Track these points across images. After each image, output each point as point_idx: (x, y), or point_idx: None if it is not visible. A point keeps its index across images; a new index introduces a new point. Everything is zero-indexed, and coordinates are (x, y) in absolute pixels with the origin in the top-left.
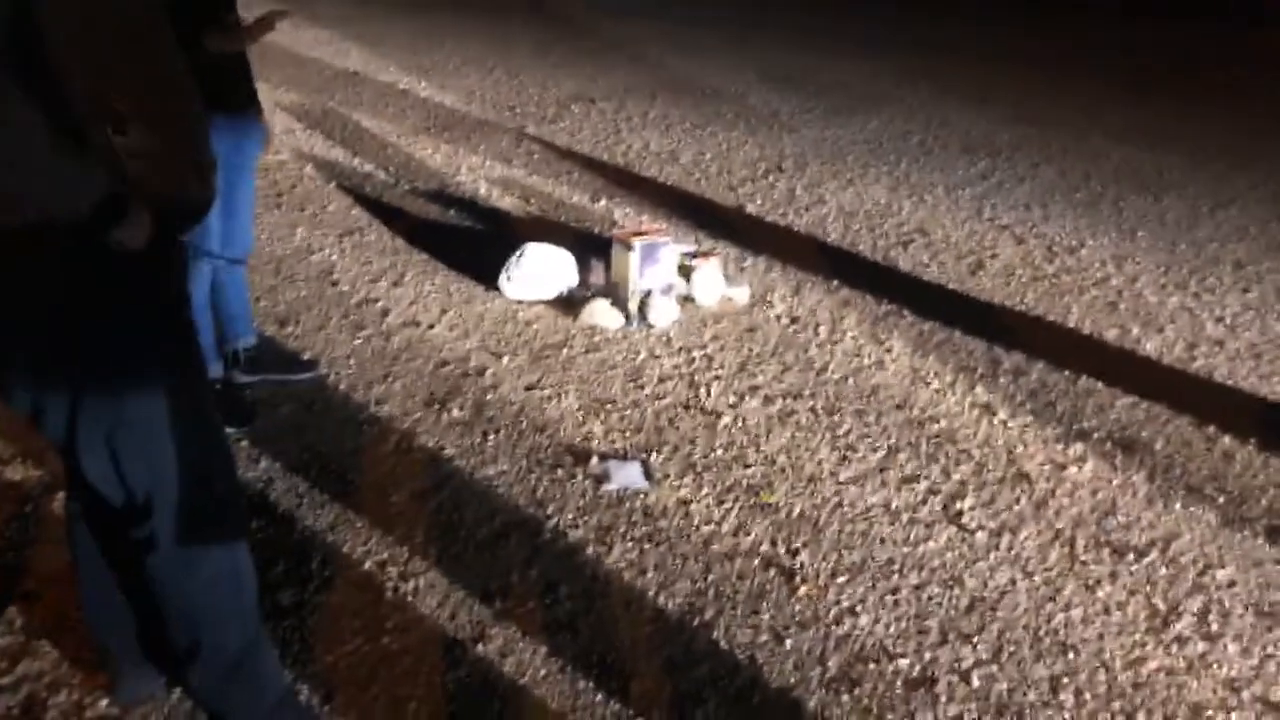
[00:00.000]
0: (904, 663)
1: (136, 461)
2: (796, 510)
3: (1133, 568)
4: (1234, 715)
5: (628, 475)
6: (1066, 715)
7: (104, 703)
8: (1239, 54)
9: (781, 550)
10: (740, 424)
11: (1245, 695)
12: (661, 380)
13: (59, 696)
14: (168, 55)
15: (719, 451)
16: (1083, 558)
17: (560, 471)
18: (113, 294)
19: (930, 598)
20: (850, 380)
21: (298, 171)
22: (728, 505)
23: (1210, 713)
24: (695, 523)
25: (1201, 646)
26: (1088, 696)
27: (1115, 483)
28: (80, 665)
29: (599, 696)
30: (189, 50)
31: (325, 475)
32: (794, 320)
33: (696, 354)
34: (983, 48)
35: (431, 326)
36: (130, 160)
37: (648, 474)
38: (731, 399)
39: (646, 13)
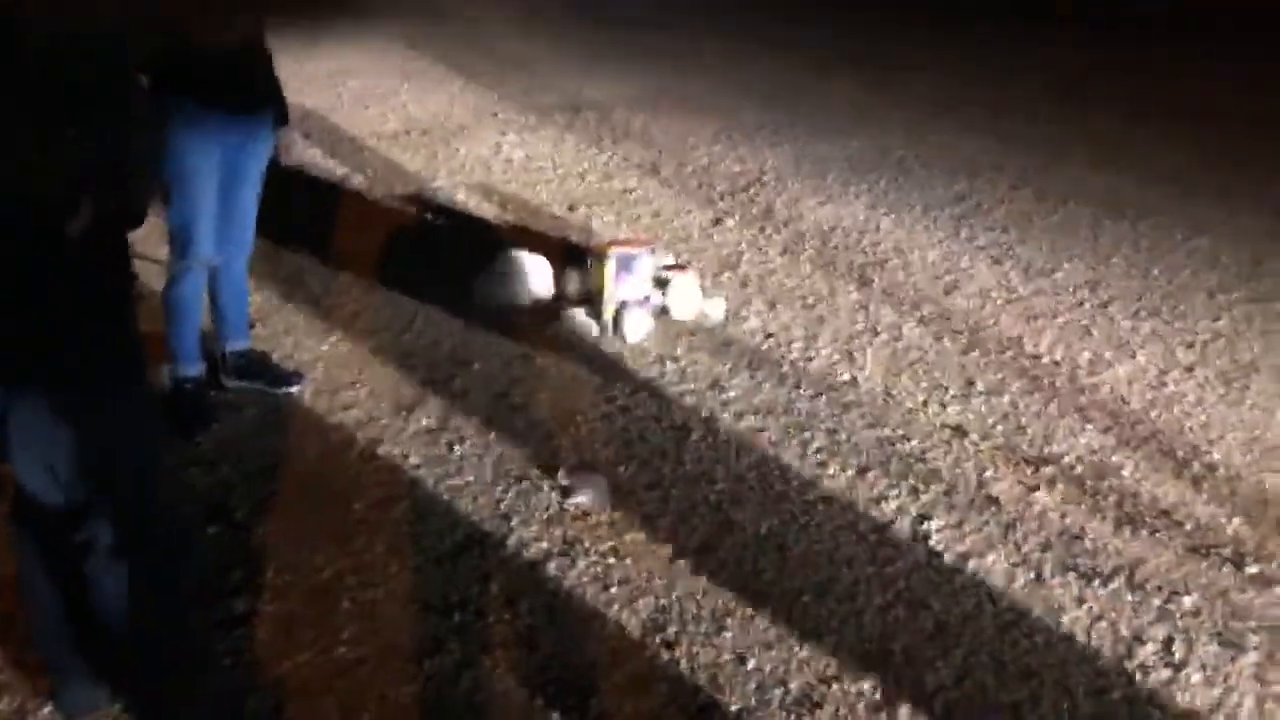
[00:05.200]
0: (867, 685)
1: (72, 465)
2: (763, 528)
3: (1099, 594)
4: None
5: (594, 489)
6: None
7: (47, 709)
8: (1230, 79)
9: (747, 569)
10: (710, 440)
11: None
12: (633, 393)
13: (1, 703)
14: (121, 68)
15: (688, 467)
16: (1049, 583)
17: (526, 484)
18: (52, 296)
19: (895, 620)
20: (822, 398)
21: (273, 173)
22: (694, 522)
23: None
24: (661, 539)
25: (1165, 675)
26: None
27: (1084, 508)
28: (24, 670)
29: (556, 714)
30: (177, 49)
31: (286, 481)
32: (768, 336)
33: (669, 367)
34: (968, 67)
35: (403, 332)
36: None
37: (615, 488)
38: (703, 414)
39: (634, 24)
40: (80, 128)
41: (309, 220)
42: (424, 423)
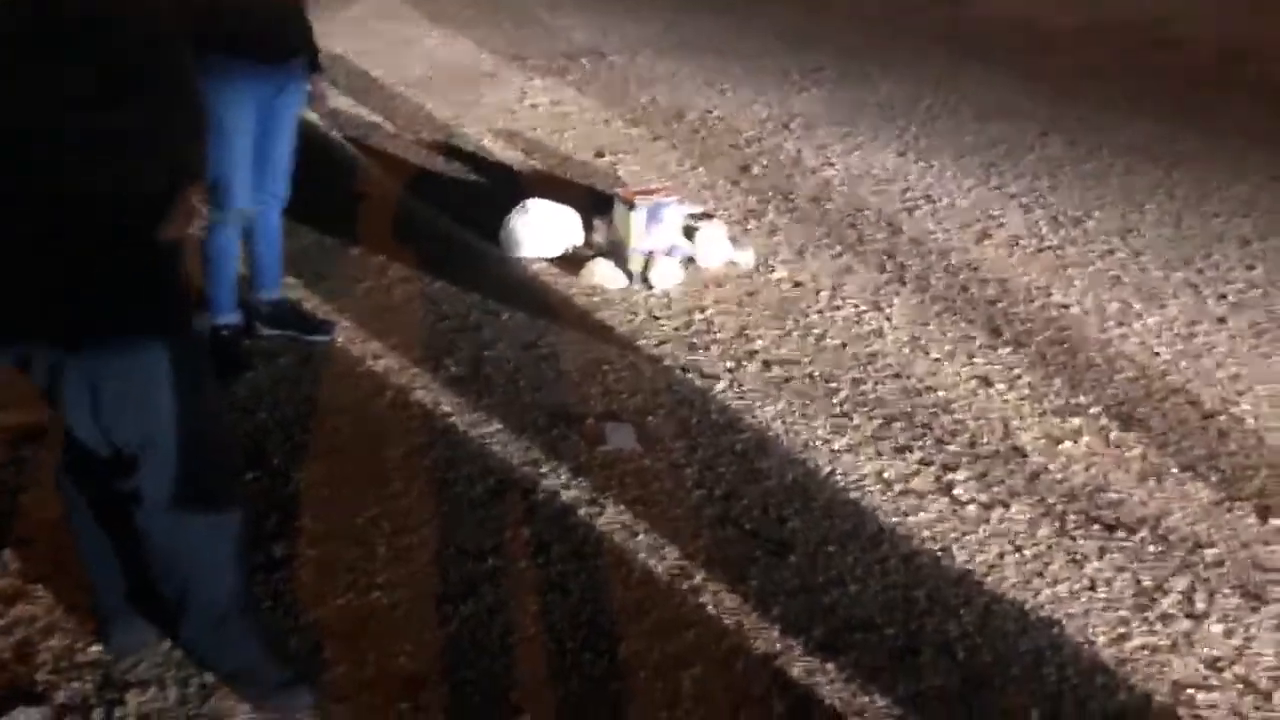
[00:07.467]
0: (889, 632)
1: (122, 417)
2: (789, 478)
3: (1122, 544)
4: (1215, 694)
5: (622, 437)
6: (1048, 690)
7: (96, 649)
8: (1266, 17)
9: (772, 517)
10: (737, 389)
11: (1227, 675)
12: (660, 343)
13: (51, 641)
14: (180, 46)
15: (714, 416)
16: (1073, 533)
17: (555, 431)
18: (102, 251)
19: (919, 569)
20: (849, 348)
21: (302, 121)
22: (720, 470)
23: (1191, 691)
24: (688, 487)
25: (1186, 625)
26: (1070, 672)
27: (1109, 458)
28: (73, 611)
29: (587, 657)
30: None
31: (321, 428)
32: (796, 285)
33: (697, 317)
34: (1000, 13)
35: (432, 281)
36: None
37: (642, 437)
38: (729, 363)
39: None
40: (132, 102)
41: (339, 168)
42: (453, 371)
